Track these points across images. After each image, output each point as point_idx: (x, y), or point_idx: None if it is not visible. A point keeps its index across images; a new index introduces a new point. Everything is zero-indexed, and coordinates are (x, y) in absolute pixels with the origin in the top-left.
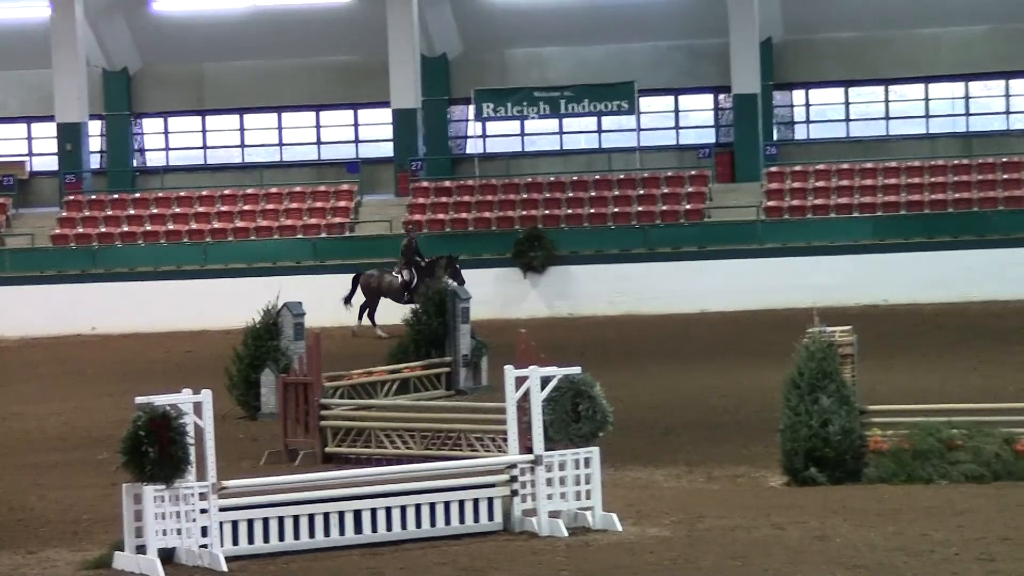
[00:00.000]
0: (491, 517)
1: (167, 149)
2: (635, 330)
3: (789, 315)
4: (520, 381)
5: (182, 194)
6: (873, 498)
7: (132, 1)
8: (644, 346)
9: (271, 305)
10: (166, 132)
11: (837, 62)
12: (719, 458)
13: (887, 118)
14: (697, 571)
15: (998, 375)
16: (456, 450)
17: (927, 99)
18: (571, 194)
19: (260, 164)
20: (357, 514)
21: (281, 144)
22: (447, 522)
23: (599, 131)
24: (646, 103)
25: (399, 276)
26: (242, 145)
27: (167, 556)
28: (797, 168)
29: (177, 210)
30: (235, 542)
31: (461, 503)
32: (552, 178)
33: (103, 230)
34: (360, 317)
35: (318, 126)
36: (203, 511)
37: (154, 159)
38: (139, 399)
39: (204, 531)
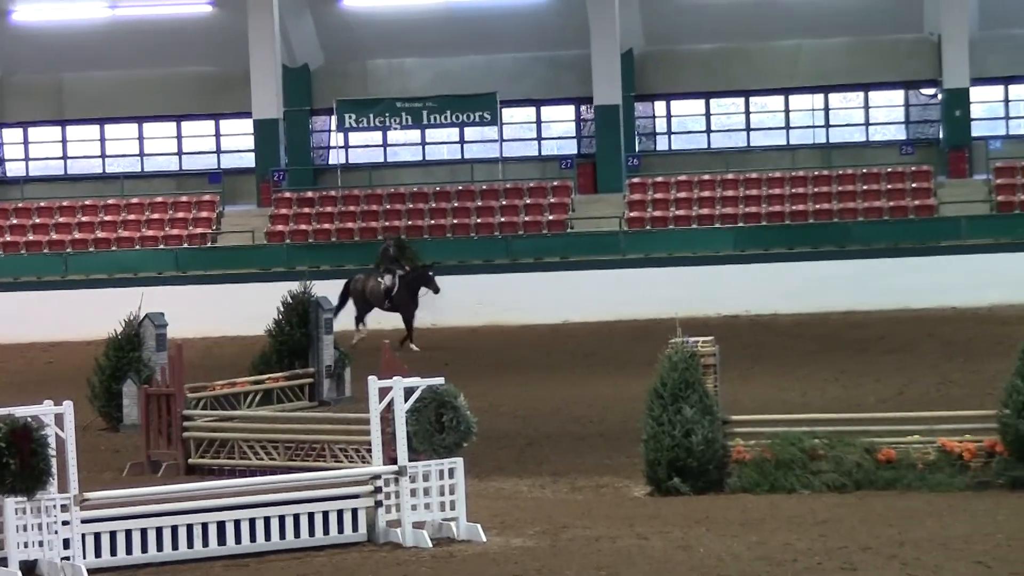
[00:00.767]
0: (355, 528)
1: (27, 159)
2: (498, 340)
3: (651, 325)
4: (384, 392)
5: (42, 204)
6: (736, 508)
7: None
8: (507, 356)
9: (133, 316)
10: (26, 142)
11: (697, 73)
12: (583, 468)
13: (747, 129)
14: None
15: (858, 385)
16: (320, 461)
17: (787, 110)
18: (434, 204)
19: (121, 175)
20: (221, 525)
21: (142, 154)
22: (311, 533)
23: (461, 142)
24: (508, 114)
25: (382, 282)
26: (103, 155)
27: (29, 568)
28: (659, 179)
29: (37, 220)
30: (98, 554)
31: (325, 514)
32: (415, 188)
33: None
34: (357, 326)
35: (179, 136)
36: (65, 523)
37: (14, 169)
38: None
39: (66, 543)
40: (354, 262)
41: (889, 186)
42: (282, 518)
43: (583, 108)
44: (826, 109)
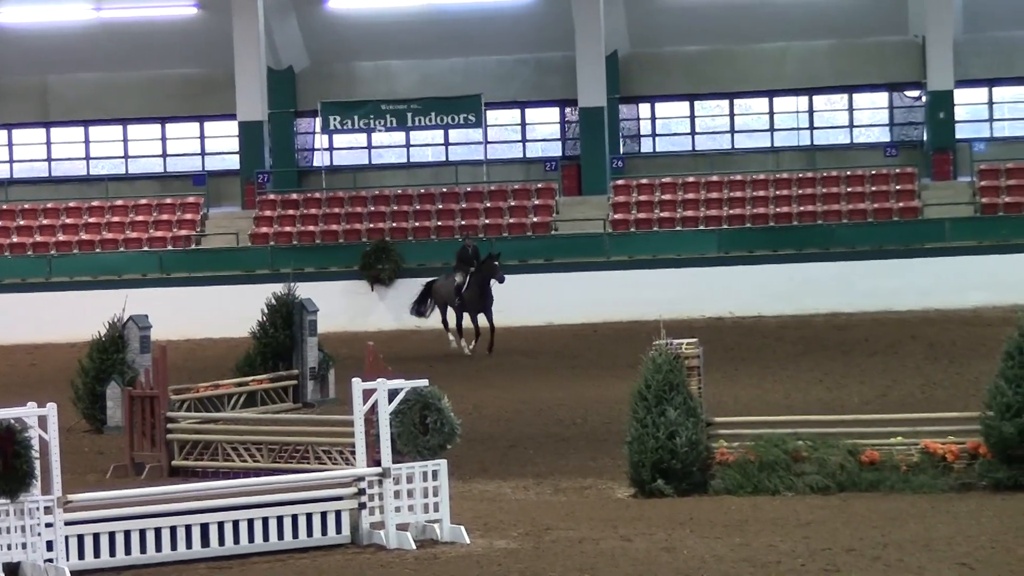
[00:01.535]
0: (339, 530)
1: (11, 161)
2: (482, 342)
3: (635, 327)
4: (368, 394)
5: (26, 207)
6: (719, 510)
7: None
8: (491, 358)
9: (117, 318)
10: (10, 144)
11: (682, 76)
12: (566, 470)
13: (732, 131)
14: None
15: (842, 387)
16: (304, 463)
17: (771, 113)
18: (418, 207)
19: (105, 177)
20: (204, 528)
21: (127, 156)
22: (295, 535)
23: (446, 144)
24: (493, 116)
25: (454, 280)
26: (87, 157)
27: (12, 571)
28: (643, 181)
29: (21, 223)
30: (81, 556)
31: (309, 516)
32: (399, 191)
33: None
34: (452, 329)
35: (164, 138)
36: (48, 525)
37: None
38: None
39: (49, 545)
40: (338, 264)
41: (873, 188)
42: (266, 520)
43: (568, 110)
44: (810, 111)
